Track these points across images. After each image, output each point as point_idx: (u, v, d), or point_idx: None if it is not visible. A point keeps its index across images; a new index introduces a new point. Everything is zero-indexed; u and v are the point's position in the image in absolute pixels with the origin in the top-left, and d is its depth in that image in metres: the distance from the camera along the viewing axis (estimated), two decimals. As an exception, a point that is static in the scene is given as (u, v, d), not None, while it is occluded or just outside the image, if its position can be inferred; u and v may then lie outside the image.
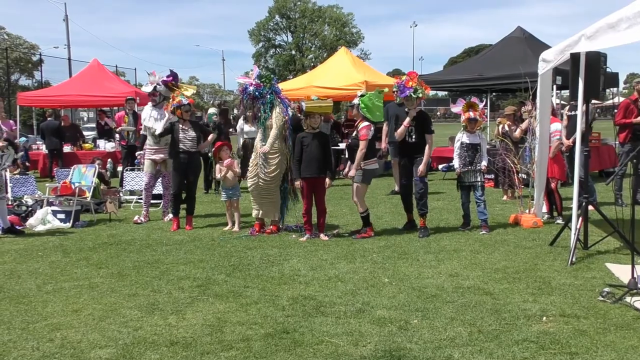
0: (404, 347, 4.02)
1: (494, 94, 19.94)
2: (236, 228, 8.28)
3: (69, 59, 34.80)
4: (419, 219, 7.77)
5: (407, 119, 7.66)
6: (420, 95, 7.70)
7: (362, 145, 7.49)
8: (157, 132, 8.81)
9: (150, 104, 9.28)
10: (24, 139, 18.18)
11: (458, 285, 5.43)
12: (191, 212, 8.61)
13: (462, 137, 8.03)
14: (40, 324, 4.61)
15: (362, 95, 7.76)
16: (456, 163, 8.08)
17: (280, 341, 4.16)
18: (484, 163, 7.94)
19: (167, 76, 9.13)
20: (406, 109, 7.79)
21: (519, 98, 12.84)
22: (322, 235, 7.58)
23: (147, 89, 9.34)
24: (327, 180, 7.55)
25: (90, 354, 4.01)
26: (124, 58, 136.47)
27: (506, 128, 10.36)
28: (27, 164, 15.78)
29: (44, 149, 16.40)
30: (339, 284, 5.55)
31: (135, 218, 9.08)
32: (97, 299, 5.22)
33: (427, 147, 7.71)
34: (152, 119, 9.06)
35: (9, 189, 10.05)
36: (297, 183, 7.59)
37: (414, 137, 7.72)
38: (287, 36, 65.69)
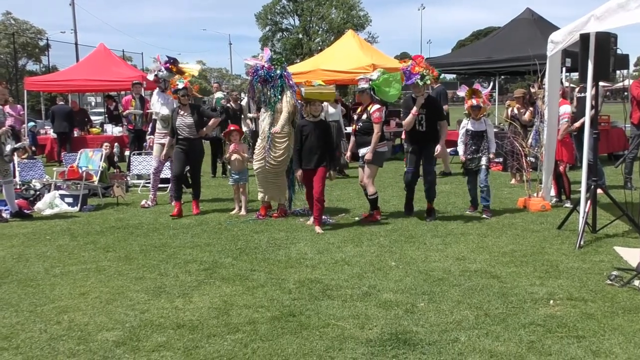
0: (410, 330, 4.02)
1: (502, 77, 19.75)
2: (243, 212, 8.27)
3: (76, 44, 34.76)
4: (427, 203, 7.71)
5: (415, 107, 7.39)
6: (428, 81, 7.42)
7: (377, 128, 7.35)
8: (160, 115, 8.91)
9: (157, 89, 9.32)
10: (32, 123, 18.23)
11: (465, 268, 5.41)
12: (197, 197, 8.58)
13: (467, 125, 7.86)
14: (48, 306, 4.64)
15: (374, 79, 7.62)
16: (460, 150, 7.95)
17: (287, 324, 4.16)
18: (492, 150, 7.82)
19: (165, 62, 9.09)
20: (413, 95, 7.57)
21: (527, 81, 12.72)
22: (317, 229, 7.08)
23: (150, 77, 9.41)
24: (331, 172, 7.26)
25: (97, 336, 4.03)
26: (130, 43, 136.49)
27: (515, 111, 10.27)
28: (34, 148, 15.82)
29: (51, 133, 16.41)
30: (345, 267, 5.55)
31: (143, 202, 9.10)
32: (105, 282, 5.24)
33: (442, 133, 7.52)
34: (159, 104, 9.09)
35: (17, 173, 10.11)
36: (298, 173, 7.32)
37: (424, 125, 7.46)
38: (294, 20, 65.23)
